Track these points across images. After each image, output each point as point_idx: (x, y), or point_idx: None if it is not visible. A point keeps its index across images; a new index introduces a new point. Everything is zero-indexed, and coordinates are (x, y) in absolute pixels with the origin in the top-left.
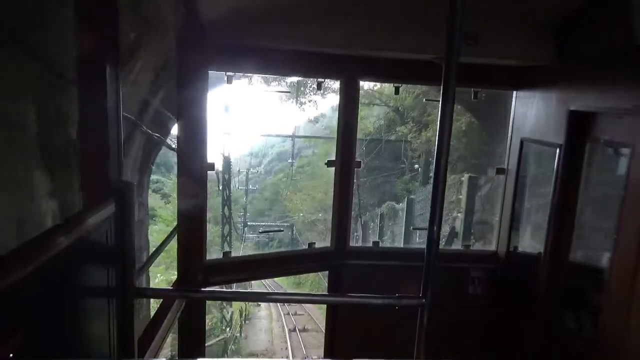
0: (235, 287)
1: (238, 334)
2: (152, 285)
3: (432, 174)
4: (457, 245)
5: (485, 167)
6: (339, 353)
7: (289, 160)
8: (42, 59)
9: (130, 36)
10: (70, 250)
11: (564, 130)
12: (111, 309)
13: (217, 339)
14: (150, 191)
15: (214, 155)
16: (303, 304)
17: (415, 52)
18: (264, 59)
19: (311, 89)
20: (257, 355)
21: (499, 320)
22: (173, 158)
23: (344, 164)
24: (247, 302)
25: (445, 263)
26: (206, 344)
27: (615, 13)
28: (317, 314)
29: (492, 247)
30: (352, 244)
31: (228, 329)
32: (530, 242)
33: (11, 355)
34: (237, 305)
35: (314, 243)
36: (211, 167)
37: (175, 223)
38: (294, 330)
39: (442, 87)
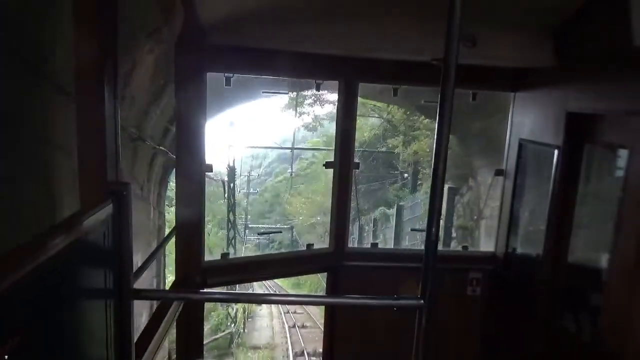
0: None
1: (242, 330)
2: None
3: (420, 182)
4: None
5: (467, 176)
6: (338, 355)
7: (288, 171)
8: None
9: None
10: (67, 251)
11: (563, 131)
12: (108, 311)
13: (224, 333)
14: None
15: (219, 165)
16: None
17: (414, 54)
18: (262, 60)
19: (309, 101)
20: (259, 348)
21: (497, 322)
22: None
23: (343, 165)
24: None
25: (444, 264)
26: (214, 337)
27: (614, 15)
28: (316, 312)
29: (491, 249)
30: (349, 245)
31: (233, 325)
32: (529, 243)
33: (7, 357)
34: (240, 303)
35: (312, 244)
36: (209, 168)
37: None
38: (294, 326)
39: (440, 89)
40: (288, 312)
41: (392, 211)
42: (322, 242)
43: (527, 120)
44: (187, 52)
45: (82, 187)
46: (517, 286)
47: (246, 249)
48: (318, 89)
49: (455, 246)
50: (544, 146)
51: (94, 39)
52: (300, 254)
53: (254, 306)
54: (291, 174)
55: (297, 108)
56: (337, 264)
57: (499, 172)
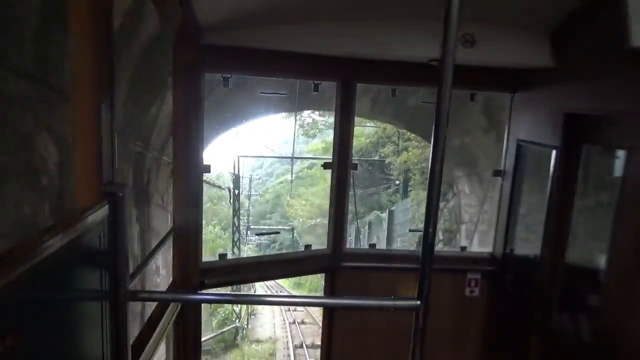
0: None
1: (246, 326)
2: None
3: (410, 189)
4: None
5: (451, 183)
6: (335, 355)
7: (289, 178)
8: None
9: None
10: (62, 252)
11: (561, 132)
12: (104, 313)
13: (230, 327)
14: None
15: (225, 172)
16: None
17: (412, 54)
18: (259, 61)
19: (309, 115)
20: (262, 342)
21: (496, 322)
22: None
23: (341, 166)
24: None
25: (442, 265)
26: (221, 330)
27: (612, 16)
28: (314, 309)
29: (489, 249)
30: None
31: (237, 320)
32: (527, 243)
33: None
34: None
35: (311, 245)
36: (207, 169)
37: None
38: (294, 323)
39: (438, 89)
40: (289, 309)
41: (385, 215)
42: (322, 243)
43: (525, 120)
44: (185, 52)
45: (78, 188)
46: (515, 287)
47: (248, 250)
48: (316, 90)
49: (441, 247)
50: (542, 147)
51: (91, 42)
52: (299, 255)
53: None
54: (291, 181)
55: (297, 120)
56: (335, 265)
57: (497, 173)
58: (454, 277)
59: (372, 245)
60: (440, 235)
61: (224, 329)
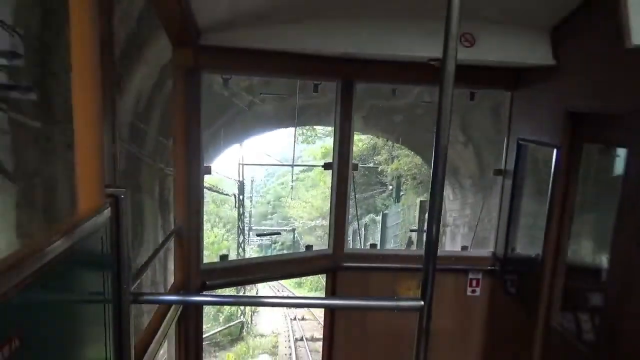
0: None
1: (250, 321)
2: None
3: (402, 194)
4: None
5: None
6: (337, 357)
7: (289, 179)
8: None
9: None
10: (65, 255)
11: (561, 131)
12: (107, 316)
13: (236, 322)
14: None
15: (226, 179)
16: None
17: (412, 53)
18: (258, 61)
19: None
20: (265, 335)
21: (497, 322)
22: None
23: (341, 166)
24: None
25: (444, 265)
26: (228, 325)
27: (610, 15)
28: None
29: (490, 249)
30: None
31: (242, 316)
32: (528, 243)
33: None
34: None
35: (312, 246)
36: (207, 170)
37: None
38: (294, 319)
39: (439, 88)
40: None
41: (379, 218)
42: (322, 244)
43: (526, 119)
44: (183, 52)
45: (80, 191)
46: (517, 286)
47: (250, 250)
48: (316, 90)
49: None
50: (543, 145)
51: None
52: (299, 256)
53: None
54: (292, 187)
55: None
56: (336, 266)
57: (498, 172)
58: (455, 276)
59: (373, 246)
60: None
61: (231, 324)
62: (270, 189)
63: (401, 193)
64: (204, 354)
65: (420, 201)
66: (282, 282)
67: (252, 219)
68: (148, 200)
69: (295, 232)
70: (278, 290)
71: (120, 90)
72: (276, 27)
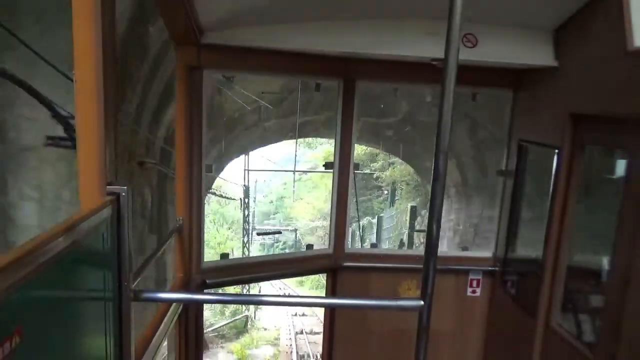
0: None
1: (253, 316)
2: None
3: (397, 198)
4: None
5: (426, 199)
6: (337, 356)
7: (291, 180)
8: None
9: None
10: (66, 253)
11: (563, 132)
12: (108, 313)
13: (240, 316)
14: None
15: (227, 184)
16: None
17: (415, 54)
18: (261, 60)
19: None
20: (268, 329)
21: (497, 323)
22: None
23: (342, 165)
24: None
25: (444, 265)
26: (234, 319)
27: (613, 17)
28: None
29: (491, 250)
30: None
31: (247, 310)
32: (529, 244)
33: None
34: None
35: (312, 245)
36: (209, 169)
37: None
38: (295, 315)
39: (441, 88)
40: None
41: (375, 220)
42: (323, 245)
43: (527, 121)
44: (186, 50)
45: (82, 188)
46: (517, 287)
47: (252, 249)
48: (317, 90)
49: (422, 249)
50: (544, 147)
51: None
52: (300, 255)
53: None
54: (293, 192)
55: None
56: (337, 265)
57: (500, 173)
58: (455, 277)
59: (374, 245)
60: (420, 238)
61: (237, 317)
62: (273, 189)
63: (396, 198)
64: (212, 345)
65: (411, 206)
66: (285, 280)
67: (255, 219)
68: (171, 208)
69: (298, 232)
70: (280, 289)
71: (157, 124)
72: (278, 27)
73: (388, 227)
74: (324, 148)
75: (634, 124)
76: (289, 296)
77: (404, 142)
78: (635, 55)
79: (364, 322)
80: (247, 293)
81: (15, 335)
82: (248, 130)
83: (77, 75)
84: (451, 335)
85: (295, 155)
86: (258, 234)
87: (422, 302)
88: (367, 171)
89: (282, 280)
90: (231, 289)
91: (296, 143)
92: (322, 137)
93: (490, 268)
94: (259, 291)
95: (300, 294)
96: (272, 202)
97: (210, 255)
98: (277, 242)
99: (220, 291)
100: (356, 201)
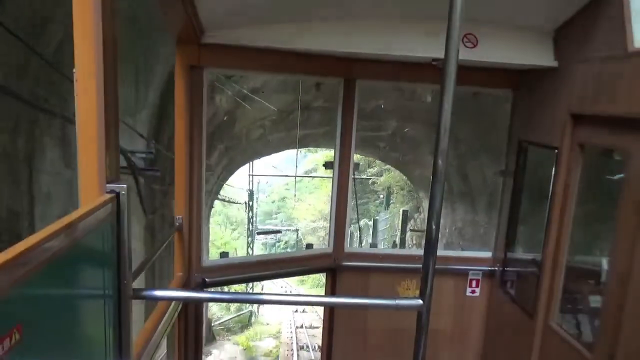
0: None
1: (256, 312)
2: None
3: (392, 202)
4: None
5: (421, 200)
6: (336, 356)
7: (293, 194)
8: None
9: None
10: (66, 251)
11: (563, 133)
12: (107, 312)
13: (245, 311)
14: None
15: (229, 187)
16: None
17: (416, 54)
18: (262, 59)
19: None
20: (270, 324)
21: (496, 323)
22: None
23: (343, 164)
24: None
25: (444, 265)
26: (238, 314)
27: (612, 18)
28: None
29: (490, 250)
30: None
31: (251, 306)
32: (528, 244)
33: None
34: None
35: (312, 245)
36: (209, 168)
37: None
38: (296, 311)
39: (441, 88)
40: None
41: (371, 222)
42: (324, 245)
43: (527, 121)
44: (186, 49)
45: (81, 187)
46: (516, 287)
47: (255, 249)
48: (318, 89)
49: (415, 250)
50: (543, 147)
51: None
52: (300, 255)
53: None
54: (295, 195)
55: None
56: (337, 265)
57: (501, 173)
58: (455, 277)
59: (373, 245)
60: (413, 239)
61: (241, 312)
62: (275, 189)
63: (391, 202)
64: (219, 337)
65: (403, 210)
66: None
67: (258, 218)
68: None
69: (299, 232)
70: (282, 287)
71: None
72: (279, 26)
73: (382, 229)
74: (324, 152)
75: (633, 125)
76: (288, 295)
77: (394, 153)
78: (635, 55)
79: (363, 321)
80: (249, 291)
81: (14, 332)
82: (255, 141)
83: (77, 75)
84: (450, 335)
85: (296, 163)
86: (258, 233)
87: (421, 302)
88: (364, 176)
89: (285, 279)
90: (234, 287)
91: (297, 152)
92: (321, 147)
93: (489, 268)
94: (262, 289)
95: (301, 293)
96: (274, 202)
97: (215, 254)
98: (278, 242)
99: (220, 289)
100: (356, 203)
